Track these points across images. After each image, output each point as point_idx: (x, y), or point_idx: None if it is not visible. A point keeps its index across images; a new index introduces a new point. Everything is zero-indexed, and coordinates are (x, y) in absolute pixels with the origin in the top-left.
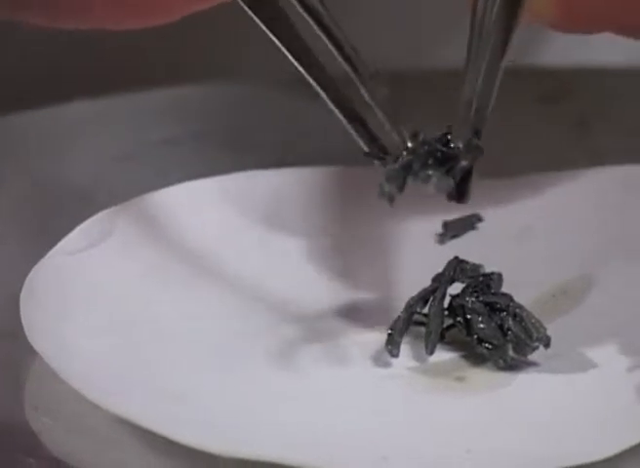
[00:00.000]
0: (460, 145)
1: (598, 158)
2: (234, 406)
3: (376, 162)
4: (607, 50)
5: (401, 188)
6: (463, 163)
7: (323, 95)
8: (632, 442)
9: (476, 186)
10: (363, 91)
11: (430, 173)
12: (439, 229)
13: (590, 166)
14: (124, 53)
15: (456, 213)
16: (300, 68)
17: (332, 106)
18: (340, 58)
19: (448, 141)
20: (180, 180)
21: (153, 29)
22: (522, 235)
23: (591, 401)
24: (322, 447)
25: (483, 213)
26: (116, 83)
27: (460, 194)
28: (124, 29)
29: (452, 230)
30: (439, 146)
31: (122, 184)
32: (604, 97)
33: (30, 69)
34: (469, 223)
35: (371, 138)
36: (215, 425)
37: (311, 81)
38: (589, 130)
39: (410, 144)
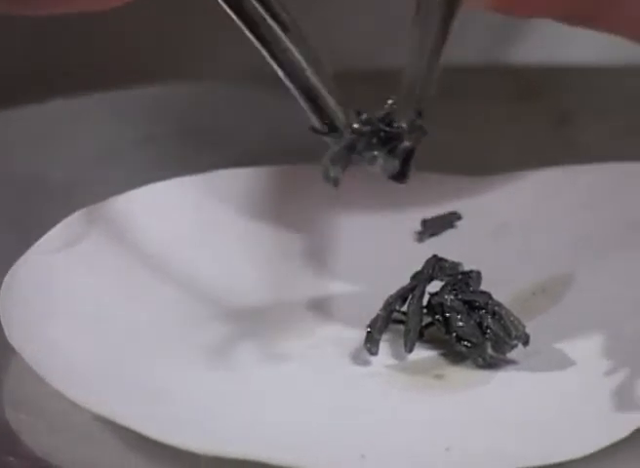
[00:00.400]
0: (404, 125)
1: (576, 156)
2: (214, 404)
3: (325, 138)
4: (580, 48)
5: (344, 168)
6: (407, 143)
7: (282, 75)
8: (610, 440)
9: (454, 184)
10: (309, 72)
11: (376, 154)
12: (418, 227)
13: (568, 163)
14: (102, 52)
15: (434, 211)
16: (260, 46)
17: (290, 85)
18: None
19: (391, 121)
20: (158, 179)
21: (131, 29)
22: (501, 233)
23: (570, 399)
24: (300, 445)
25: (461, 211)
26: (95, 82)
27: (401, 175)
28: (110, 8)
29: (430, 228)
30: (382, 126)
31: (100, 183)
32: (580, 95)
33: (9, 68)
34: (448, 221)
35: (324, 117)
36: (195, 424)
37: (272, 62)
38: (567, 127)
39: (354, 124)
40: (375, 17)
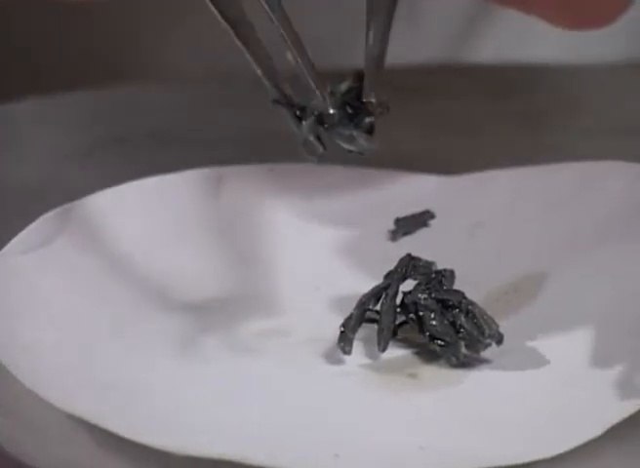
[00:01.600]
0: (373, 100)
1: (550, 154)
2: (187, 403)
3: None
4: (549, 47)
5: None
6: (372, 118)
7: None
8: (584, 439)
9: (427, 183)
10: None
11: (355, 133)
12: (391, 226)
13: (542, 162)
14: (75, 52)
15: (408, 210)
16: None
17: (251, 58)
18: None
19: (358, 95)
20: (132, 178)
21: (104, 29)
22: (474, 232)
23: (543, 398)
24: (274, 444)
25: (435, 210)
26: (68, 82)
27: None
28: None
29: (404, 227)
30: (351, 100)
31: (74, 183)
32: (551, 94)
33: None
34: (421, 220)
35: (283, 92)
36: (167, 423)
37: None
38: (541, 126)
39: (324, 98)
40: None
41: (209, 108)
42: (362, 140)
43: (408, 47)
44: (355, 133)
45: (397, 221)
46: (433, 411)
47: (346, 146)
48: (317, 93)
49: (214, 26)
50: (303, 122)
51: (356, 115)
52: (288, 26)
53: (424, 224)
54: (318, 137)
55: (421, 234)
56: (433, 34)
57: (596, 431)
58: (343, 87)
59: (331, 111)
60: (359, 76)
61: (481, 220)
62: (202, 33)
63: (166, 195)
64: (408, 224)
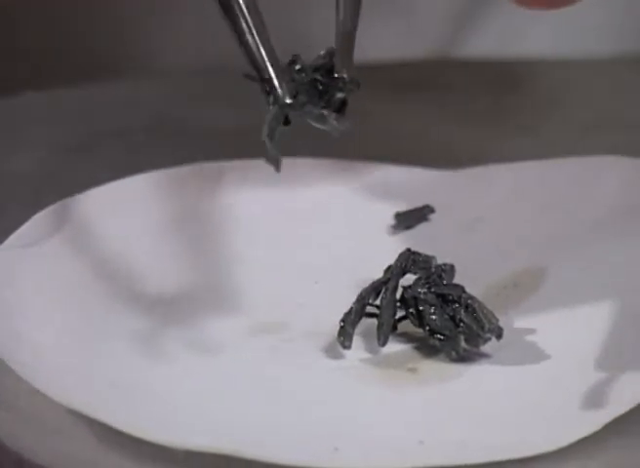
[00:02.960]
0: (345, 76)
1: (548, 149)
2: (184, 397)
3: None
4: (538, 41)
5: (287, 123)
6: (341, 95)
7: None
8: (583, 434)
9: (427, 177)
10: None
11: (325, 113)
12: (391, 221)
13: (541, 157)
14: (74, 46)
15: (408, 204)
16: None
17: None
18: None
19: (329, 71)
20: (130, 173)
21: (102, 23)
22: (474, 226)
23: (543, 392)
24: (273, 438)
25: (435, 204)
26: (66, 76)
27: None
28: None
29: (404, 222)
30: (322, 77)
31: (72, 177)
32: (553, 89)
33: None
34: (421, 215)
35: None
36: (165, 416)
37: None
38: (540, 121)
39: (293, 75)
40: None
41: (208, 102)
42: (332, 120)
43: (403, 42)
44: (325, 112)
45: (397, 216)
46: (433, 406)
47: (318, 126)
48: (275, 81)
49: (213, 20)
50: (268, 111)
51: (326, 92)
52: (252, 6)
53: (424, 219)
54: (286, 120)
55: (421, 228)
56: (428, 29)
57: (596, 425)
58: (314, 63)
59: (288, 101)
60: (330, 53)
61: (481, 215)
62: (201, 27)
63: (165, 189)
64: (408, 219)
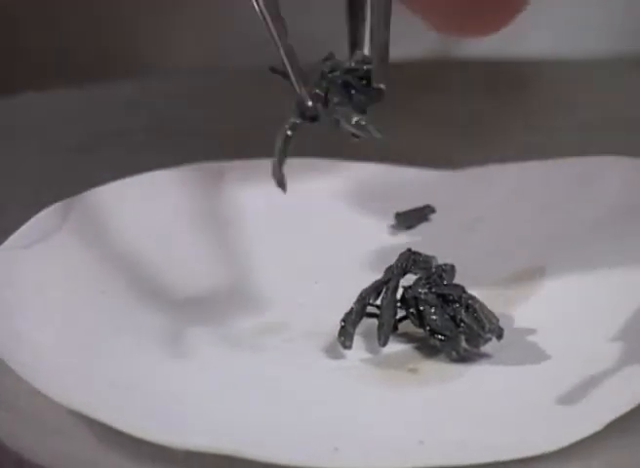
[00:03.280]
0: (382, 87)
1: (551, 149)
2: (185, 397)
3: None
4: (539, 41)
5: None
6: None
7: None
8: (584, 433)
9: (428, 177)
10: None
11: (364, 123)
12: (392, 221)
13: (543, 157)
14: (74, 46)
15: (408, 204)
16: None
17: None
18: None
19: (361, 78)
20: (132, 173)
21: (104, 23)
22: (474, 226)
23: (543, 392)
24: (273, 438)
25: (436, 204)
26: (68, 76)
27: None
28: None
29: (404, 222)
30: (353, 80)
31: (74, 177)
32: (544, 89)
33: None
34: (422, 215)
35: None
36: (166, 417)
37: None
38: (541, 121)
39: (324, 69)
40: None
41: (210, 102)
42: (372, 128)
43: (403, 42)
44: (364, 119)
45: (398, 216)
46: (433, 406)
47: (350, 130)
48: (296, 85)
49: (215, 20)
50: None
51: (358, 97)
52: (274, 12)
53: (425, 219)
54: (314, 118)
55: (422, 228)
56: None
57: (597, 425)
58: (346, 65)
59: (309, 104)
60: (364, 60)
61: (481, 215)
62: (203, 27)
63: (166, 189)
64: (408, 219)
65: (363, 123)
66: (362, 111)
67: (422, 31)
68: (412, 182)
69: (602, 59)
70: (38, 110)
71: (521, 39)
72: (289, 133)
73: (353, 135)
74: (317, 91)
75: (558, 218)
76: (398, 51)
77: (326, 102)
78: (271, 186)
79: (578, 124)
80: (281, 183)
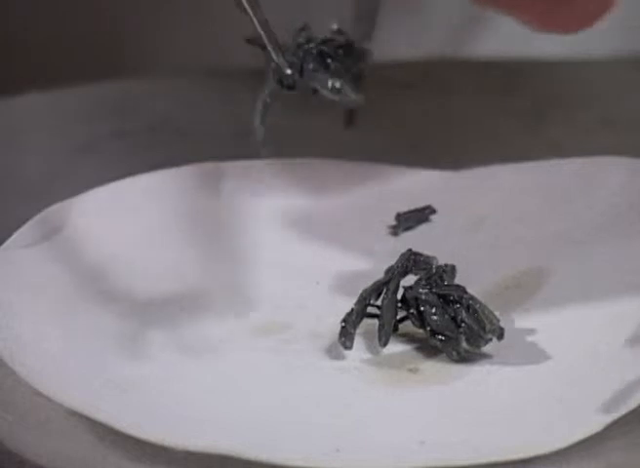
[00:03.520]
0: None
1: (552, 149)
2: (186, 398)
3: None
4: (548, 41)
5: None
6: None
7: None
8: (585, 433)
9: (429, 178)
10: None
11: (339, 86)
12: (392, 221)
13: (544, 157)
14: (75, 46)
15: (409, 205)
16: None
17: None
18: None
19: (339, 47)
20: (131, 173)
21: (103, 23)
22: (475, 227)
23: (544, 393)
24: (274, 439)
25: (436, 205)
26: (67, 76)
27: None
28: None
29: (405, 222)
30: (329, 49)
31: (73, 177)
32: (551, 89)
33: None
34: (423, 215)
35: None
36: (166, 418)
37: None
38: (543, 121)
39: (299, 39)
40: None
41: (210, 102)
42: (349, 90)
43: (405, 42)
44: (339, 82)
45: (398, 216)
46: (434, 406)
47: (328, 95)
48: (273, 54)
49: (213, 20)
50: (265, 88)
51: (335, 64)
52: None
53: (426, 219)
54: (291, 86)
55: (423, 229)
56: (430, 29)
57: (597, 426)
58: (321, 37)
59: (288, 71)
60: (339, 31)
61: (482, 216)
62: (201, 27)
63: (166, 190)
64: (409, 219)
65: (338, 86)
66: (339, 77)
67: (422, 31)
68: (412, 183)
69: (602, 59)
70: (38, 110)
71: (521, 39)
72: (268, 100)
73: (333, 100)
74: (294, 59)
75: (560, 219)
76: (398, 51)
77: (301, 71)
78: (270, 187)
79: (578, 124)
80: (262, 146)
